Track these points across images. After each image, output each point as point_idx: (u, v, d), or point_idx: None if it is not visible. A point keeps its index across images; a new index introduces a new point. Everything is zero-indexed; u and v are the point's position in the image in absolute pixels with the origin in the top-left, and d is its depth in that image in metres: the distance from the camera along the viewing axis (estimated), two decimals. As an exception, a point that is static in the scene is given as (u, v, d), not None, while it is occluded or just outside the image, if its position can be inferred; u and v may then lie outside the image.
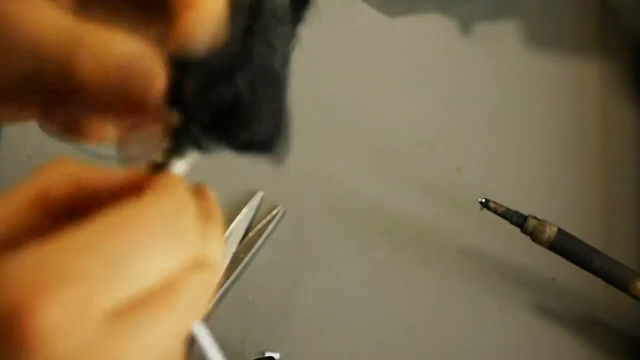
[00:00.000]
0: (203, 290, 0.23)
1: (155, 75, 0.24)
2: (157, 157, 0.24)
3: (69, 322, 0.19)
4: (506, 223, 0.50)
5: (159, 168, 0.24)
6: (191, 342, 0.42)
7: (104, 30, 0.24)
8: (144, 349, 0.21)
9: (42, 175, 0.23)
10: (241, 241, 0.56)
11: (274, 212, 0.57)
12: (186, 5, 0.24)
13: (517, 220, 0.49)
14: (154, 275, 0.21)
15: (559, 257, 0.50)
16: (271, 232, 0.56)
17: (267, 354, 0.53)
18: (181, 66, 0.24)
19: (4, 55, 0.25)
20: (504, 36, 0.61)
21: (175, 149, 0.24)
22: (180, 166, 0.24)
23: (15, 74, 0.25)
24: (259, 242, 0.56)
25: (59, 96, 0.25)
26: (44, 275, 0.19)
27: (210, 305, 0.52)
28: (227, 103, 0.23)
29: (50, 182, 0.23)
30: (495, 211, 0.49)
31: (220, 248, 0.24)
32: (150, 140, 0.26)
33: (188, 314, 0.22)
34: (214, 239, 0.24)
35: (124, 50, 0.24)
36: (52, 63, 0.24)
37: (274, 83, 0.25)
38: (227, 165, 0.51)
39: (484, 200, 0.50)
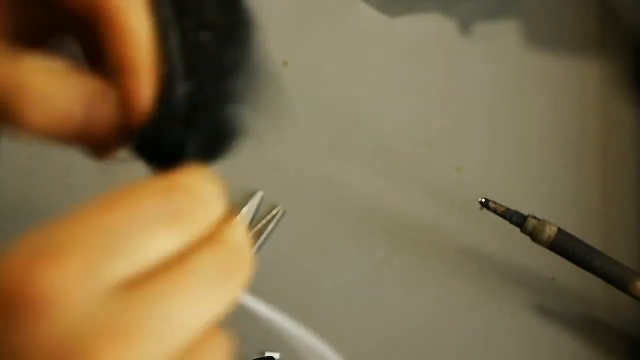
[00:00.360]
0: (222, 267, 0.22)
1: (108, 120, 0.23)
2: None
3: (73, 289, 0.19)
4: (506, 223, 0.50)
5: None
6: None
7: (46, 77, 0.23)
8: (156, 323, 0.20)
9: None
10: (241, 241, 0.56)
11: (274, 212, 0.57)
12: (129, 73, 0.23)
13: (517, 220, 0.49)
14: (159, 249, 0.21)
15: (559, 257, 0.50)
16: (271, 232, 0.57)
17: (267, 354, 0.53)
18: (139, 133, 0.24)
19: None
20: (504, 36, 0.61)
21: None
22: None
23: None
24: (259, 242, 0.56)
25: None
26: (46, 246, 0.19)
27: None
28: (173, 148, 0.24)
29: None
30: (495, 211, 0.49)
31: (239, 230, 0.24)
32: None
33: (206, 292, 0.22)
34: (231, 221, 0.24)
35: (70, 99, 0.23)
36: None
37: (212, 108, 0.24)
38: (227, 165, 0.51)
39: (484, 200, 0.50)
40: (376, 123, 0.59)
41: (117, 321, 0.20)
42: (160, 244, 0.21)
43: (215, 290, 0.22)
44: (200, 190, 0.23)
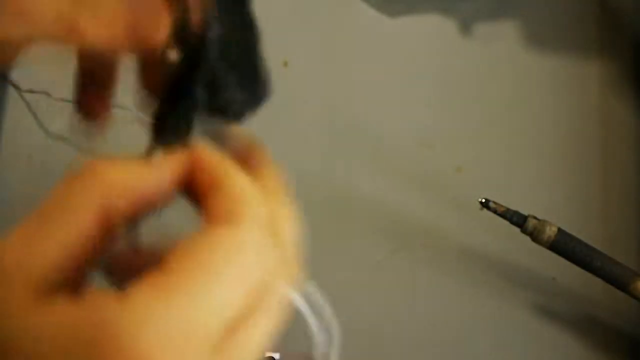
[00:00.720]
0: (286, 286, 0.25)
1: (157, 28, 0.25)
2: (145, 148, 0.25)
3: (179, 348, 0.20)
4: (506, 223, 0.50)
5: (149, 154, 0.25)
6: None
7: None
8: (249, 353, 0.23)
9: (93, 194, 0.23)
10: (241, 241, 0.56)
11: (274, 212, 0.57)
12: None
13: (517, 220, 0.49)
14: (241, 297, 0.22)
15: (559, 257, 0.50)
16: (271, 232, 0.56)
17: (267, 354, 0.53)
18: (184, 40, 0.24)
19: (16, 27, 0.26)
20: (504, 36, 0.61)
21: (158, 137, 0.25)
22: None
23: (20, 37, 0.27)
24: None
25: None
26: (159, 324, 0.20)
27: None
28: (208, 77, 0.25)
29: (107, 202, 0.23)
30: (495, 211, 0.49)
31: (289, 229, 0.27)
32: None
33: (279, 308, 0.24)
34: (286, 231, 0.27)
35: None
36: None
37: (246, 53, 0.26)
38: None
39: (484, 200, 0.50)
40: (376, 123, 0.59)
41: None
42: (238, 292, 0.23)
43: (283, 302, 0.25)
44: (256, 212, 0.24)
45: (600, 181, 0.58)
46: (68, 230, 0.22)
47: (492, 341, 0.56)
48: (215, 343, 0.22)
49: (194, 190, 0.25)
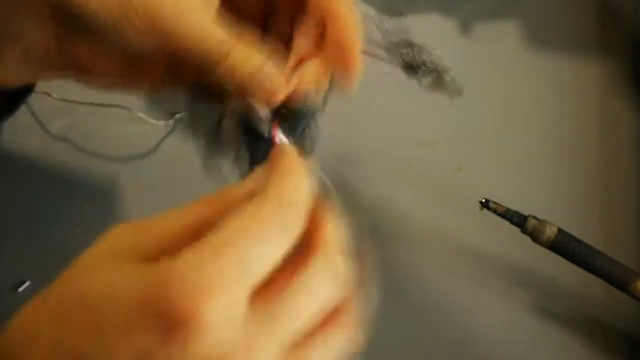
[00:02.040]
0: (328, 271, 0.27)
1: (275, 93, 0.32)
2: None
3: (223, 317, 0.23)
4: (506, 223, 0.50)
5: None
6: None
7: (248, 49, 0.31)
8: (281, 329, 0.25)
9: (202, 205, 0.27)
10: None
11: (274, 212, 0.57)
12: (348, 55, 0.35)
13: (517, 220, 0.49)
14: (267, 263, 0.25)
15: (559, 257, 0.50)
16: (271, 232, 0.56)
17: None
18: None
19: (157, 49, 0.31)
20: (504, 36, 0.61)
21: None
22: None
23: (159, 62, 0.33)
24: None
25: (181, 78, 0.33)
26: (199, 278, 0.23)
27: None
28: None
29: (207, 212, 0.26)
30: (495, 211, 0.49)
31: (334, 230, 0.29)
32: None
33: (319, 296, 0.26)
34: (326, 224, 0.28)
35: (259, 68, 0.31)
36: (196, 64, 0.31)
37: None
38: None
39: (484, 200, 0.50)
40: (376, 123, 0.59)
41: (251, 340, 0.24)
42: (274, 259, 0.25)
43: (327, 288, 0.27)
44: (298, 197, 0.27)
45: (600, 181, 0.58)
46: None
47: (492, 341, 0.56)
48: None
49: None
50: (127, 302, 0.23)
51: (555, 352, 0.55)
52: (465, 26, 0.61)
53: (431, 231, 0.57)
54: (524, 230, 0.49)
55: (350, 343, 0.27)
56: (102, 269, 0.25)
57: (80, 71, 0.35)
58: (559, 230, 0.49)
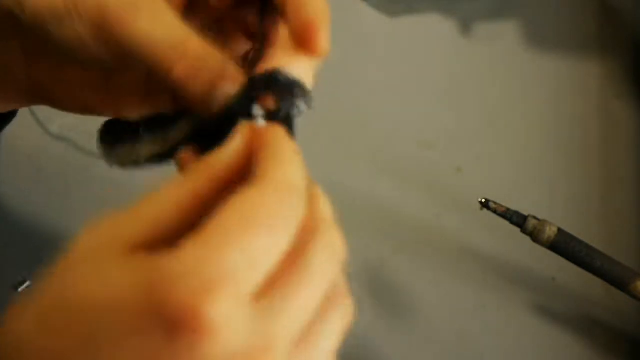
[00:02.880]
0: (329, 251, 0.25)
1: (232, 86, 0.29)
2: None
3: (231, 318, 0.21)
4: (506, 223, 0.50)
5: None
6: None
7: (206, 45, 0.29)
8: (289, 324, 0.23)
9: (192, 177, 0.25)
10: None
11: (274, 212, 0.57)
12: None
13: (517, 220, 0.49)
14: (274, 254, 0.23)
15: (559, 257, 0.50)
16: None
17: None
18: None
19: (123, 56, 0.28)
20: (504, 36, 0.61)
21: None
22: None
23: (137, 74, 0.31)
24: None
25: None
26: (205, 274, 0.21)
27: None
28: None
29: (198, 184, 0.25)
30: (495, 211, 0.49)
31: (326, 206, 0.27)
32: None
33: (323, 280, 0.24)
34: (319, 201, 0.27)
35: (218, 66, 0.29)
36: (155, 62, 0.28)
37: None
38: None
39: (484, 200, 0.50)
40: (376, 123, 0.59)
41: (261, 341, 0.22)
42: (282, 249, 0.23)
43: (330, 270, 0.24)
44: (294, 185, 0.25)
45: (600, 181, 0.58)
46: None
47: (492, 341, 0.56)
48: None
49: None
50: (122, 303, 0.21)
51: (555, 352, 0.55)
52: (465, 26, 0.61)
53: (431, 231, 0.57)
54: (524, 230, 0.49)
55: (348, 321, 0.25)
56: (90, 266, 0.23)
57: (49, 92, 0.33)
58: (559, 230, 0.49)
